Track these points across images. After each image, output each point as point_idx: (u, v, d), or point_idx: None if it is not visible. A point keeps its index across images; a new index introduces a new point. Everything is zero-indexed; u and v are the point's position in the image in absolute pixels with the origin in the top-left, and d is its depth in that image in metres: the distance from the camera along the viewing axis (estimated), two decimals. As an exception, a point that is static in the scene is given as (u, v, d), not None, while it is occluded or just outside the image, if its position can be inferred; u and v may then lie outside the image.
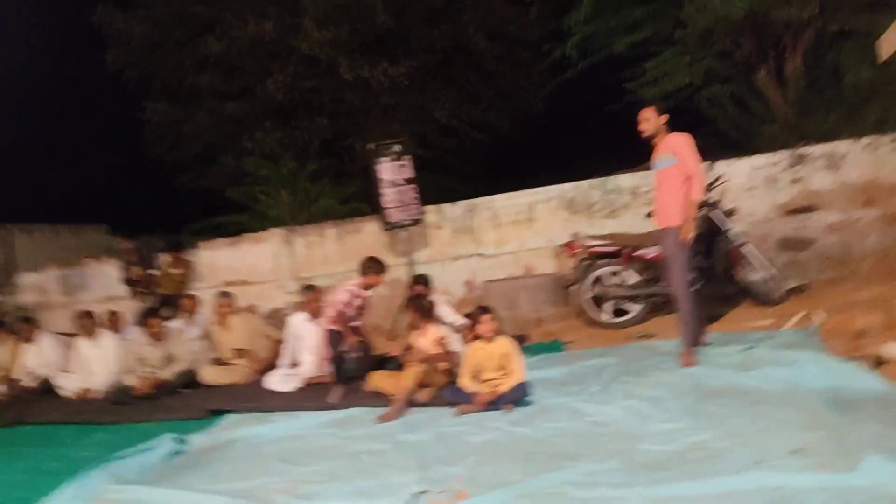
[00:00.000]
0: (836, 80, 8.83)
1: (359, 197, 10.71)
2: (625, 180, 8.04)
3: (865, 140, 7.20)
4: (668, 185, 4.91)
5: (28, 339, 7.40)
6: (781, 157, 7.49)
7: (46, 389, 6.99)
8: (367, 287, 5.66)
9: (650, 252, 6.53)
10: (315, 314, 6.08)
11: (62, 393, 6.79)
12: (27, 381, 7.20)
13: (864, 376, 3.91)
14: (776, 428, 3.34)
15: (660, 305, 6.71)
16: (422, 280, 6.17)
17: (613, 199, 8.06)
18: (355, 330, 5.59)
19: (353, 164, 12.83)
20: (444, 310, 6.00)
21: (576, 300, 6.90)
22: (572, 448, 3.55)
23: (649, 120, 4.92)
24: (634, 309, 6.57)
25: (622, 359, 5.24)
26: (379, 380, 5.18)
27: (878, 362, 4.08)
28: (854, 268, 6.89)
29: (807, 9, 8.47)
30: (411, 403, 4.77)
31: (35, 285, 10.67)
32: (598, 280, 6.63)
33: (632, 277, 6.55)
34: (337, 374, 5.39)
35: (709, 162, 7.78)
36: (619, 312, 6.66)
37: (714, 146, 9.03)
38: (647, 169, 8.22)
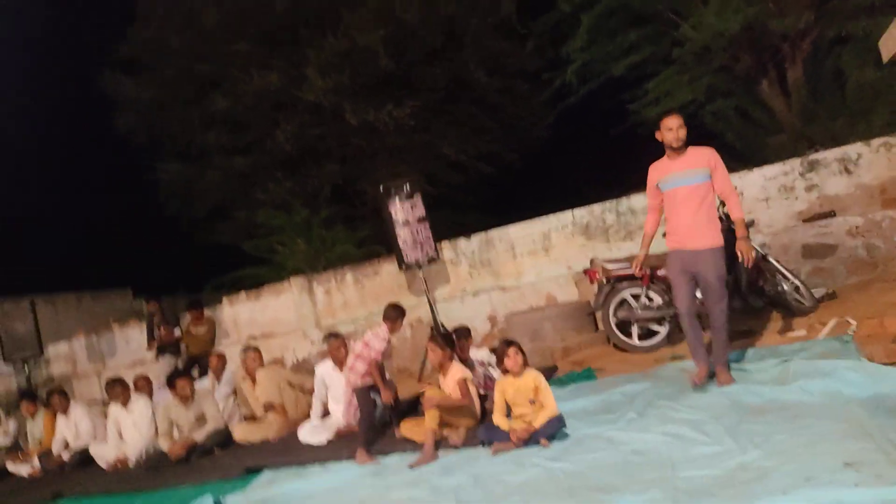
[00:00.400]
0: (839, 85, 8.83)
1: (373, 239, 10.79)
2: (638, 201, 8.02)
3: (878, 141, 7.16)
4: (702, 202, 4.55)
5: (61, 411, 7.43)
6: (793, 165, 7.45)
7: (83, 460, 7.00)
8: (392, 333, 5.66)
9: (672, 271, 6.47)
10: (341, 362, 6.05)
11: (99, 462, 6.79)
12: (63, 454, 7.22)
13: (907, 380, 3.81)
14: (823, 442, 3.24)
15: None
16: (462, 333, 5.93)
17: (628, 220, 8.04)
18: (383, 376, 5.55)
19: (364, 207, 12.97)
20: (482, 355, 5.93)
21: (602, 326, 6.83)
22: (613, 480, 3.46)
23: (683, 127, 4.54)
24: (662, 330, 6.47)
25: (656, 382, 5.14)
26: (408, 428, 5.12)
27: (920, 365, 3.99)
28: (882, 270, 6.78)
29: (803, 17, 8.52)
30: (445, 445, 4.71)
31: (63, 355, 10.76)
32: (622, 304, 6.56)
33: (655, 298, 6.47)
34: (365, 435, 5.19)
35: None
36: (646, 335, 6.56)
37: (723, 160, 9.00)
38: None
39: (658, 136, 4.65)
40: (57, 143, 20.60)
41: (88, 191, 21.35)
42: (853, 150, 7.26)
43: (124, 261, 18.99)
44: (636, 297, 6.52)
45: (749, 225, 6.41)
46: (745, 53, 9.33)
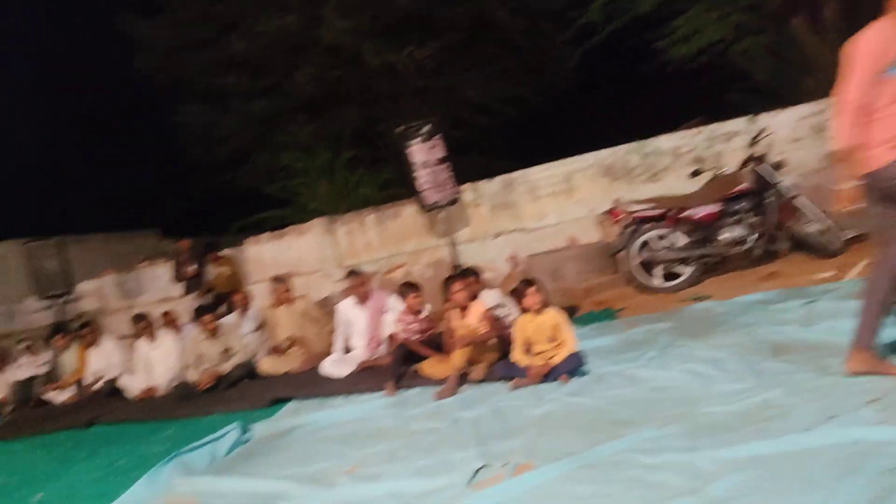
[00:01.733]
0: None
1: (396, 182, 10.73)
2: (664, 142, 7.85)
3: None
4: None
5: (92, 344, 7.71)
6: (827, 104, 7.21)
7: (113, 391, 7.23)
8: (413, 306, 5.66)
9: (698, 212, 6.37)
10: (363, 298, 6.12)
11: (127, 394, 7.01)
12: (95, 384, 7.48)
13: (934, 318, 3.74)
14: (847, 381, 3.22)
15: (712, 266, 6.56)
16: (471, 273, 5.86)
17: (653, 161, 7.89)
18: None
19: (387, 149, 12.85)
20: (493, 297, 5.89)
21: (624, 267, 6.79)
22: (633, 415, 3.47)
23: None
24: (686, 271, 6.41)
25: (678, 323, 5.12)
26: (429, 367, 5.18)
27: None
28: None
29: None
30: (466, 381, 4.77)
31: (94, 292, 11.01)
32: (645, 245, 6.50)
33: (680, 240, 6.40)
34: (396, 370, 5.22)
35: (750, 115, 7.55)
36: (670, 276, 6.51)
37: (753, 100, 8.72)
38: (691, 128, 7.99)
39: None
40: (82, 84, 20.55)
41: (115, 133, 21.44)
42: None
43: (152, 202, 19.20)
44: (660, 238, 6.45)
45: (779, 166, 6.27)
46: (776, -11, 8.93)
